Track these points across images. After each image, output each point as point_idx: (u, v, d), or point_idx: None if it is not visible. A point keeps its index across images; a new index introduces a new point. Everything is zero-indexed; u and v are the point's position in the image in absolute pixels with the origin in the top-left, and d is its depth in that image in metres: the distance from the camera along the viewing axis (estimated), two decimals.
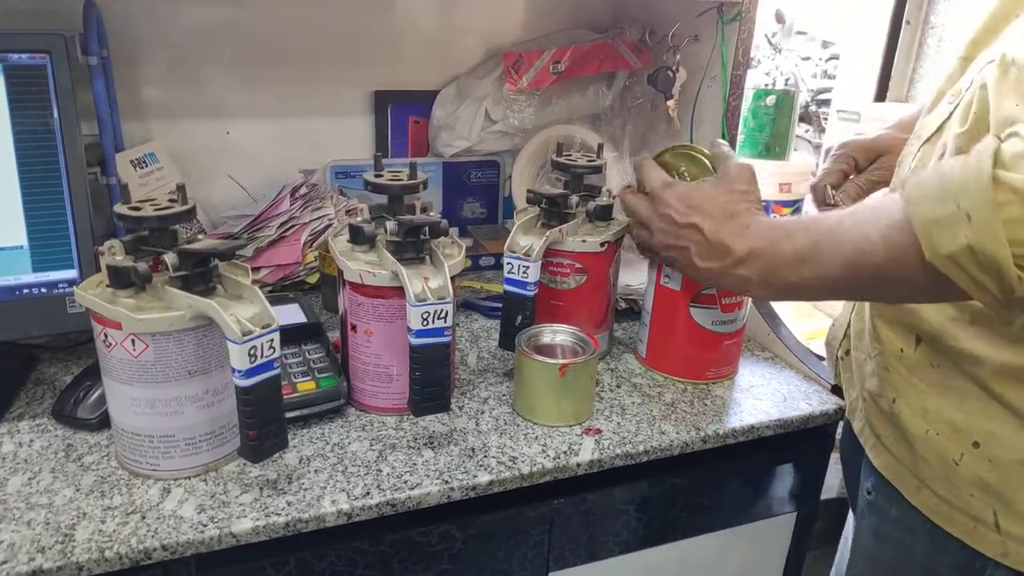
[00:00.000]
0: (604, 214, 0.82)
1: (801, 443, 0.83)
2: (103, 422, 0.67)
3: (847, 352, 0.76)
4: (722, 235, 0.63)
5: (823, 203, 0.83)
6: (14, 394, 0.75)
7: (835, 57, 2.13)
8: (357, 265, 0.69)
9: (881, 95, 1.79)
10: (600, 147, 0.85)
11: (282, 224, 0.95)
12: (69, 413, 0.69)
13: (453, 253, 0.72)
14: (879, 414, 0.68)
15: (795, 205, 1.60)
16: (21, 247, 0.66)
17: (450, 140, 1.11)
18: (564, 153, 0.85)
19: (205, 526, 0.58)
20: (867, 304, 0.70)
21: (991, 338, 0.57)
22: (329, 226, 0.97)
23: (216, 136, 1.05)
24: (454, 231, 1.18)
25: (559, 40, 1.10)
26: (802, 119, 2.06)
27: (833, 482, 0.88)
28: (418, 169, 0.71)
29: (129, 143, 0.98)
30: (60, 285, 0.68)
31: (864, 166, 0.83)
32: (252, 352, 0.56)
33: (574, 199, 0.80)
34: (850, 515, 0.90)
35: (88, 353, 0.81)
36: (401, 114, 1.12)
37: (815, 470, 0.87)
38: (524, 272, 0.76)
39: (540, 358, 0.72)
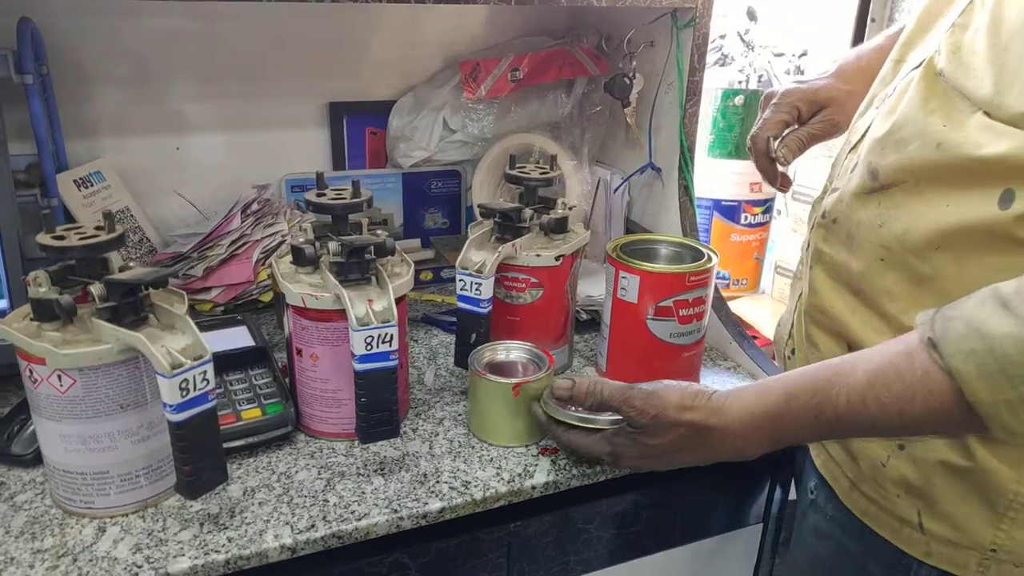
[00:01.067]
0: (559, 227, 0.81)
1: (766, 455, 0.82)
2: (38, 457, 0.64)
3: (793, 351, 0.75)
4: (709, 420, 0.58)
5: (764, 154, 0.80)
6: None
7: (806, 54, 2.14)
8: (299, 288, 0.66)
9: None
10: (553, 158, 0.83)
11: (233, 242, 0.93)
12: (2, 449, 0.67)
13: (401, 272, 0.70)
14: None
15: (766, 204, 1.59)
16: None
17: (408, 151, 1.09)
18: (517, 165, 0.83)
19: (140, 567, 0.56)
20: (804, 308, 0.69)
21: None
22: (282, 242, 0.95)
23: (166, 152, 1.02)
24: (415, 243, 1.16)
25: (517, 47, 1.09)
26: None
27: None
28: (362, 186, 0.68)
29: (75, 161, 0.96)
30: None
31: (807, 117, 0.79)
32: (183, 385, 0.54)
33: (528, 212, 0.79)
34: None
35: None
36: (357, 125, 1.09)
37: (780, 481, 0.85)
38: (477, 289, 0.74)
39: (493, 378, 0.70)
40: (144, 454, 0.60)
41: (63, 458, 0.59)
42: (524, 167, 0.83)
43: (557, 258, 0.79)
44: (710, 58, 2.25)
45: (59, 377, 0.55)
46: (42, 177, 0.83)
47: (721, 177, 1.57)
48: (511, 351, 0.76)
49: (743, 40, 2.26)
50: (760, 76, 2.13)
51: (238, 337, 0.80)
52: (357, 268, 0.66)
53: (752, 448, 0.58)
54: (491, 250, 0.77)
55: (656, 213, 1.04)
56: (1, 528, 0.59)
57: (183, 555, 0.57)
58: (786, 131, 0.80)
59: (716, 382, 0.86)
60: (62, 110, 0.91)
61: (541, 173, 0.82)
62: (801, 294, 0.71)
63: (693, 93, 0.93)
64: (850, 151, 0.65)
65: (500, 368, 0.74)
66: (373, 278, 0.67)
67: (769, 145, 0.79)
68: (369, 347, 0.62)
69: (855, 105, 0.76)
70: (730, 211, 1.58)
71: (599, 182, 1.06)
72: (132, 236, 0.97)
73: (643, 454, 0.61)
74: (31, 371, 0.56)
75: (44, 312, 0.55)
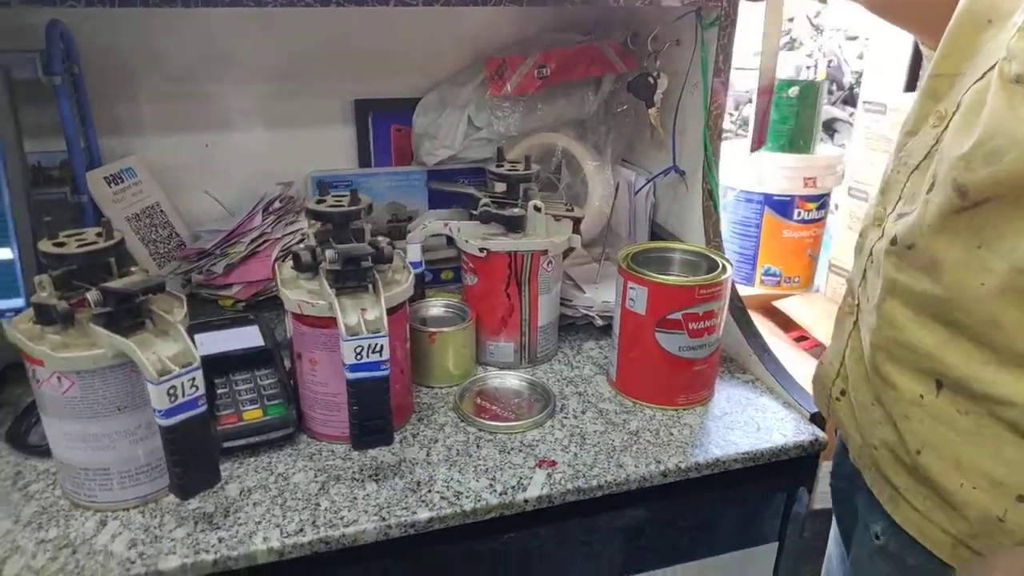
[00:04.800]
0: (486, 217, 0.83)
1: (778, 473, 0.79)
2: None
3: (843, 392, 0.70)
4: None
5: None
6: None
7: (868, 38, 2.03)
8: (297, 295, 0.67)
9: (911, 85, 1.70)
10: (527, 159, 0.87)
11: (253, 240, 0.94)
12: (21, 439, 0.70)
13: (400, 280, 0.71)
14: (898, 465, 0.62)
15: (821, 200, 1.54)
16: None
17: (433, 148, 1.09)
18: (508, 161, 0.89)
19: (133, 563, 0.58)
20: (868, 343, 0.64)
21: None
22: (302, 241, 0.96)
23: (196, 149, 1.05)
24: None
25: (543, 44, 1.07)
26: (846, 101, 1.97)
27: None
28: (360, 193, 0.69)
29: (109, 157, 0.99)
30: (7, 314, 0.68)
31: None
32: (171, 392, 0.55)
33: (485, 201, 0.83)
34: (833, 532, 0.86)
35: None
36: (383, 123, 1.10)
37: (796, 499, 0.82)
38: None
39: (417, 327, 0.80)
40: (144, 452, 0.62)
41: (66, 454, 0.61)
42: (503, 165, 0.88)
43: (481, 250, 0.82)
44: None
45: (58, 378, 0.57)
46: (72, 175, 0.86)
47: (773, 171, 1.52)
48: (441, 307, 0.88)
49: (812, 23, 2.16)
50: (829, 61, 2.04)
51: (248, 337, 0.81)
52: (354, 276, 0.66)
53: None
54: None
55: (681, 217, 1.01)
56: (12, 517, 0.62)
57: (174, 553, 0.59)
58: None
59: (732, 397, 0.83)
60: (96, 108, 0.94)
61: (522, 170, 0.85)
62: (853, 330, 0.67)
63: (717, 94, 0.89)
64: (911, 172, 0.61)
65: (430, 320, 0.86)
66: (370, 286, 0.67)
67: None
68: (359, 356, 0.62)
69: None
70: (782, 206, 1.53)
71: (620, 183, 1.04)
72: (162, 231, 1.00)
73: None
74: (34, 371, 0.58)
75: (44, 316, 0.57)
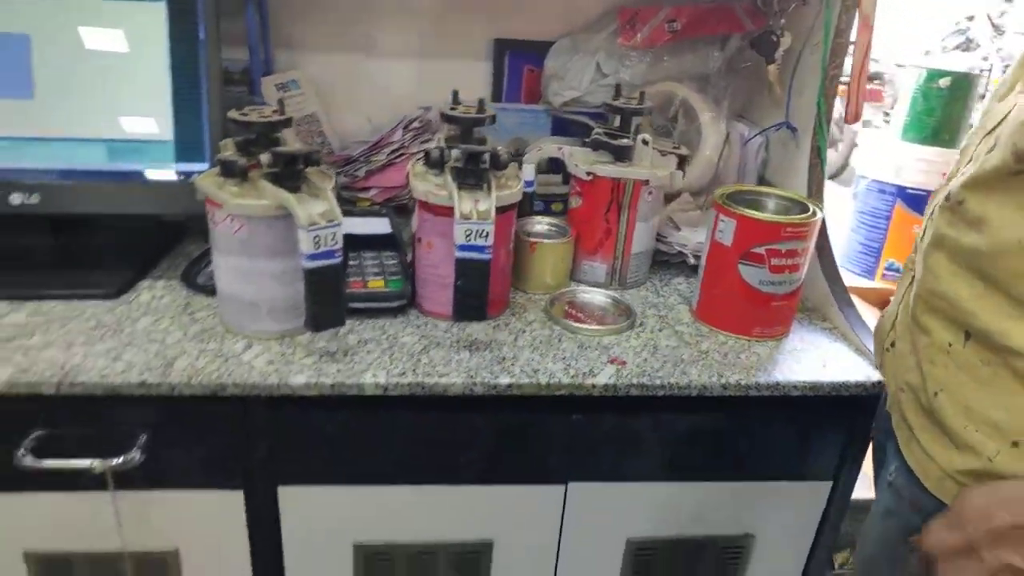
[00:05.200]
0: (596, 145, 0.91)
1: (838, 413, 0.84)
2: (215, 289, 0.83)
3: (892, 344, 0.74)
4: None
5: None
6: (160, 258, 0.93)
7: None
8: (425, 186, 0.79)
9: None
10: (641, 95, 0.94)
11: (393, 151, 1.07)
12: (192, 279, 0.86)
13: (512, 185, 0.80)
14: (916, 407, 0.67)
15: None
16: (168, 141, 0.83)
17: (560, 89, 1.18)
18: (621, 97, 0.96)
19: (269, 375, 0.72)
20: (912, 295, 0.68)
21: None
22: None
23: (352, 70, 1.19)
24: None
25: None
26: None
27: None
28: (487, 105, 0.79)
29: (279, 69, 1.15)
30: (194, 174, 0.84)
31: None
32: (316, 239, 0.68)
33: (598, 129, 0.90)
34: None
35: None
36: (517, 62, 1.20)
37: (853, 442, 0.86)
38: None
39: (523, 236, 0.90)
40: (288, 294, 0.76)
41: (228, 287, 0.76)
42: (629, 98, 0.95)
43: (588, 174, 0.90)
44: (950, 41, 2.03)
45: (231, 219, 0.72)
46: (250, 79, 1.02)
47: (910, 163, 1.48)
48: (545, 224, 0.97)
49: (993, 24, 2.03)
50: (1006, 65, 1.93)
51: (378, 225, 0.95)
52: (473, 174, 0.77)
53: None
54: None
55: (788, 173, 1.05)
56: (181, 331, 0.78)
57: (302, 373, 0.72)
58: None
59: (806, 338, 0.88)
60: (272, 24, 1.10)
61: (636, 104, 0.92)
62: (910, 284, 0.70)
63: (837, 55, 0.92)
64: (985, 135, 0.63)
65: (534, 234, 0.94)
66: (486, 185, 0.78)
67: None
68: (468, 238, 0.73)
69: None
70: (916, 201, 1.50)
71: (732, 135, 1.09)
72: (316, 138, 1.15)
73: None
74: (213, 214, 0.73)
75: (226, 170, 0.71)
